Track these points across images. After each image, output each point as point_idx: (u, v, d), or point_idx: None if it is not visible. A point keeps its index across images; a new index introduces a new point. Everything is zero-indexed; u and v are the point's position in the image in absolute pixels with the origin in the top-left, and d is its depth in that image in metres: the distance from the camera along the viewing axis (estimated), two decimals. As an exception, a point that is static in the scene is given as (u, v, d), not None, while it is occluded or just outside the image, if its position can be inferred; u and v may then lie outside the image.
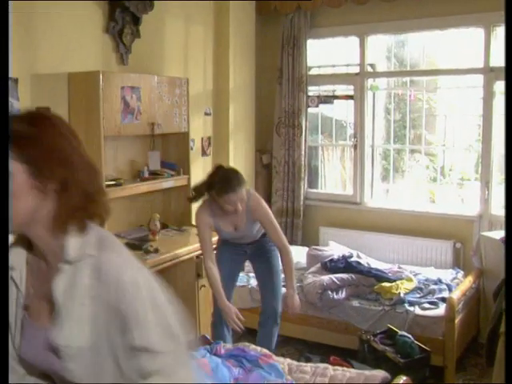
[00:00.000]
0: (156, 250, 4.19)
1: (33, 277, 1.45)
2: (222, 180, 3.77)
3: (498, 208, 5.21)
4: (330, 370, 3.17)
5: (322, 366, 3.24)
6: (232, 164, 5.66)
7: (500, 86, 5.09)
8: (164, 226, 4.77)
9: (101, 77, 3.96)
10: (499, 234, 4.70)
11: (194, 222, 4.92)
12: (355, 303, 4.57)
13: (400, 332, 3.99)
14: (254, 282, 4.96)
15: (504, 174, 2.62)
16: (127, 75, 4.28)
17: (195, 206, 5.02)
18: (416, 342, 3.90)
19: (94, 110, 3.99)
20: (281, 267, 4.06)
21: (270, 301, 4.13)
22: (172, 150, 4.92)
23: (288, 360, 3.36)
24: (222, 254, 4.10)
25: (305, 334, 4.74)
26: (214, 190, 3.75)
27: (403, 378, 2.91)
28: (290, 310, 3.95)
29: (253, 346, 3.44)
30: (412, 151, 6.45)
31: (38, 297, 1.43)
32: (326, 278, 4.66)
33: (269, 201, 6.12)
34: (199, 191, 3.92)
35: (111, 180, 4.26)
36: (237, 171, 3.89)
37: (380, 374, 3.08)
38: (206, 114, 5.55)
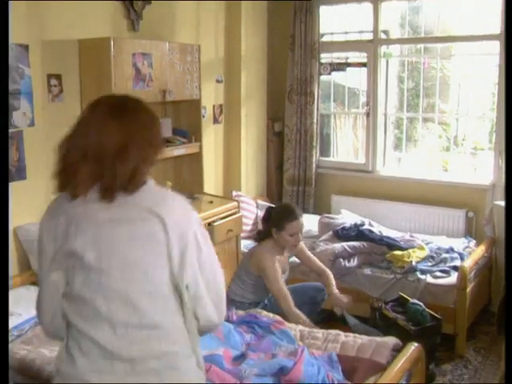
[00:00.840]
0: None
1: None
2: (284, 210, 3.83)
3: (512, 177, 5.17)
4: (342, 336, 3.18)
5: (334, 332, 3.25)
6: (243, 132, 5.65)
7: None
8: (176, 194, 4.77)
9: (112, 43, 3.94)
10: (512, 202, 4.67)
11: (205, 190, 4.95)
12: (367, 271, 4.58)
13: (411, 300, 3.99)
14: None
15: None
16: (138, 42, 4.24)
17: (207, 173, 5.04)
18: (427, 309, 3.90)
19: (105, 77, 3.97)
20: None
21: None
22: (184, 117, 4.90)
23: (300, 327, 3.37)
24: None
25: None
26: (277, 221, 3.74)
27: (414, 345, 2.92)
28: (345, 305, 3.90)
29: (265, 313, 3.45)
30: (425, 120, 6.39)
31: None
32: (338, 245, 4.66)
33: (280, 169, 6.11)
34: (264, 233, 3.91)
35: (123, 147, 4.24)
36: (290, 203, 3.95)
37: (391, 340, 3.09)
38: (218, 81, 5.51)
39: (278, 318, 3.39)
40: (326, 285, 3.97)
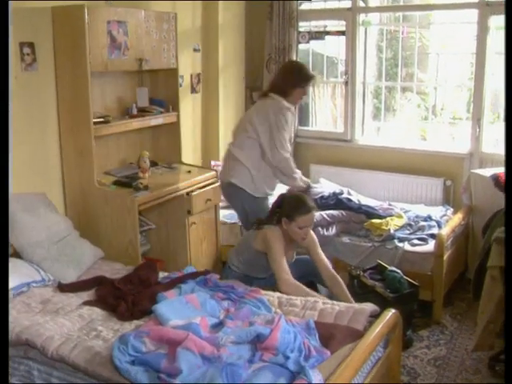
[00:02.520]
0: (146, 188, 4.17)
1: None
2: (297, 201, 3.74)
3: (489, 146, 5.22)
4: (320, 303, 3.20)
5: (312, 299, 3.27)
6: (222, 101, 5.61)
7: (495, 21, 5.00)
8: (153, 164, 4.74)
9: (86, 11, 3.85)
10: (489, 171, 4.71)
11: (183, 160, 4.92)
12: (345, 239, 4.60)
13: (389, 267, 4.02)
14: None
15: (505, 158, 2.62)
16: (113, 9, 4.16)
17: (185, 142, 5.01)
18: (405, 277, 3.94)
19: (79, 46, 3.89)
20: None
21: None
22: (161, 86, 4.84)
23: (278, 293, 3.38)
24: None
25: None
26: (289, 212, 3.69)
27: (392, 311, 2.95)
28: None
29: (243, 285, 3.47)
30: (403, 90, 6.38)
31: None
32: (316, 214, 4.66)
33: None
34: (268, 221, 3.83)
35: (99, 117, 4.19)
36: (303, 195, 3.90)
37: (369, 307, 3.11)
38: (195, 50, 5.44)
39: (253, 288, 3.40)
40: (338, 295, 3.63)
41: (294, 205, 3.72)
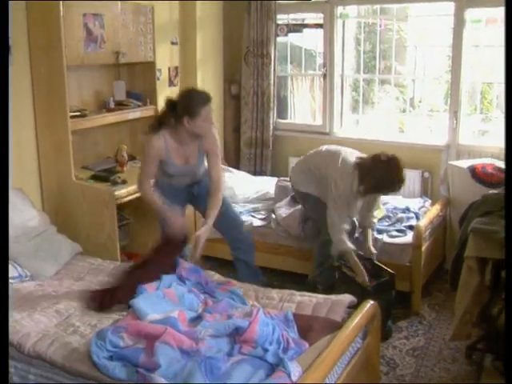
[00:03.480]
0: (124, 182, 4.16)
1: None
2: (194, 95, 3.58)
3: (466, 138, 5.25)
4: (297, 295, 3.21)
5: (288, 291, 3.28)
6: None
7: (471, 14, 5.03)
8: (131, 158, 4.72)
9: (61, 3, 3.81)
10: (466, 163, 4.75)
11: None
12: (328, 231, 4.58)
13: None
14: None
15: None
16: (89, 2, 4.13)
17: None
18: (379, 264, 4.00)
19: (54, 39, 3.87)
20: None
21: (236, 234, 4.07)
22: (138, 80, 4.82)
23: (254, 286, 3.39)
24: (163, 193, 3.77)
25: (274, 264, 4.78)
26: (187, 107, 3.49)
27: (370, 302, 2.96)
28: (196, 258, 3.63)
29: (216, 276, 3.48)
30: (382, 82, 6.41)
31: None
32: (298, 207, 4.64)
33: (238, 131, 6.08)
34: (162, 118, 3.64)
35: (76, 111, 4.17)
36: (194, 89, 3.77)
37: (346, 298, 3.13)
38: (173, 43, 5.41)
39: (225, 280, 3.41)
40: (208, 211, 3.65)
41: (194, 99, 3.54)
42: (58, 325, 2.92)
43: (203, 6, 5.52)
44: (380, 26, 6.05)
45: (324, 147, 4.33)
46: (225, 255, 4.66)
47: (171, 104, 3.59)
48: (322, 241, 4.24)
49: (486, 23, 5.31)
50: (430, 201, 5.11)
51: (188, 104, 3.51)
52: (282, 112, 6.26)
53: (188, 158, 3.69)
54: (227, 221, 3.96)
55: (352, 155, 4.10)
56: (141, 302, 2.92)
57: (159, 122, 3.62)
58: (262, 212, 5.02)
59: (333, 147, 4.30)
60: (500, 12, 5.16)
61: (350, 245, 3.93)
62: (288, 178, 5.29)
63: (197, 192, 3.89)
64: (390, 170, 3.85)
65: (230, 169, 5.48)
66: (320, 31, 5.77)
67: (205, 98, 3.54)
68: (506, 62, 2.62)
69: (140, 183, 3.68)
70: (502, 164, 4.62)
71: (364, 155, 4.11)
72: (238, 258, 4.10)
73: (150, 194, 3.66)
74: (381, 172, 3.85)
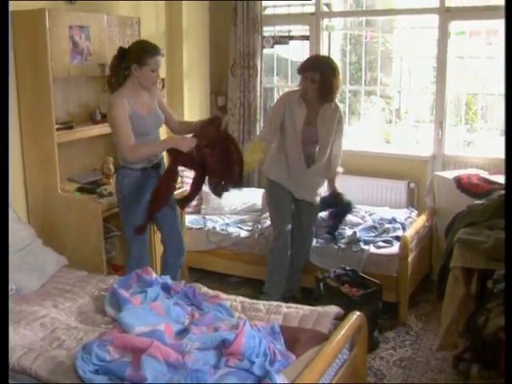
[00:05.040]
0: (110, 194, 4.13)
1: None
2: (144, 45, 3.73)
3: (451, 148, 5.29)
4: (284, 307, 3.21)
5: (275, 303, 3.28)
6: (187, 106, 5.60)
7: (455, 26, 5.09)
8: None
9: (47, 15, 3.81)
10: (452, 173, 4.78)
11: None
12: (314, 243, 4.59)
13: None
14: (210, 224, 4.97)
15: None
16: (75, 14, 4.13)
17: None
18: (368, 277, 4.01)
19: (40, 51, 3.86)
20: None
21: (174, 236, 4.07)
22: (124, 92, 4.80)
23: (240, 298, 3.38)
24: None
25: (261, 275, 4.77)
26: (136, 55, 3.63)
27: (356, 313, 2.97)
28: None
29: (205, 288, 3.47)
30: (368, 94, 6.45)
31: None
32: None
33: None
34: (116, 72, 3.72)
35: (62, 123, 4.16)
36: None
37: (333, 309, 3.13)
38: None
39: (212, 293, 3.41)
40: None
41: (143, 48, 3.67)
42: (44, 338, 2.89)
43: (189, 18, 5.54)
44: (366, 38, 6.09)
45: None
46: (213, 267, 4.66)
47: (123, 52, 3.72)
48: (271, 249, 4.31)
49: (470, 35, 5.37)
50: (416, 211, 5.14)
51: (137, 52, 3.65)
52: (269, 123, 6.25)
53: (149, 105, 3.79)
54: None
55: None
56: (127, 315, 2.90)
57: (113, 78, 3.74)
58: (249, 223, 5.03)
59: None
60: (483, 24, 5.24)
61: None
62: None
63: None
64: None
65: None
66: (306, 43, 5.80)
67: (155, 49, 3.68)
68: (506, 66, 2.64)
69: (125, 150, 3.61)
70: (486, 174, 4.66)
71: None
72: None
73: (140, 148, 3.64)
74: None
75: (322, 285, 3.99)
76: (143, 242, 3.91)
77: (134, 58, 3.63)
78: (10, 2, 3.26)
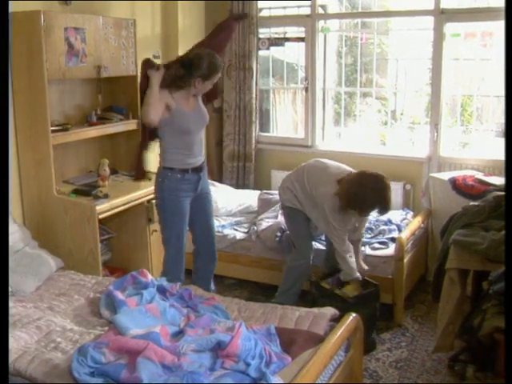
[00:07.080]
0: (106, 196, 4.13)
1: None
2: (212, 61, 3.70)
3: (447, 150, 5.30)
4: (280, 309, 3.21)
5: (271, 305, 3.28)
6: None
7: (450, 28, 5.10)
8: (113, 172, 4.70)
9: (42, 17, 3.80)
10: (447, 175, 4.79)
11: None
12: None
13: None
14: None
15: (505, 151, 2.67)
16: (70, 15, 4.12)
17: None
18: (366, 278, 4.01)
19: (36, 52, 3.85)
20: None
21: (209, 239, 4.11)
22: (120, 93, 4.80)
23: (236, 300, 3.39)
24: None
25: (257, 277, 4.78)
26: (206, 73, 3.67)
27: (352, 315, 2.97)
28: None
29: (200, 290, 3.47)
30: (364, 95, 6.45)
31: None
32: (282, 219, 4.63)
33: (220, 145, 6.09)
34: (173, 82, 3.73)
35: (58, 125, 4.16)
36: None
37: (329, 311, 3.13)
38: (155, 57, 5.40)
39: (208, 295, 3.40)
40: None
41: (210, 64, 3.67)
42: (39, 341, 2.89)
43: (185, 20, 5.54)
44: (361, 40, 6.10)
45: (311, 162, 4.28)
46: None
47: (188, 64, 3.69)
48: (291, 266, 4.24)
49: (465, 37, 5.39)
50: (411, 213, 5.14)
51: (206, 68, 3.67)
52: (265, 125, 6.27)
53: (194, 104, 3.86)
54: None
55: (339, 170, 4.05)
56: (122, 317, 2.90)
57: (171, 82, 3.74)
58: (245, 225, 5.03)
59: (319, 164, 4.22)
60: (478, 26, 5.26)
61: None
62: (270, 191, 5.32)
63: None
64: (378, 190, 3.73)
65: (213, 182, 5.48)
66: (302, 45, 5.81)
67: (220, 65, 3.75)
68: (506, 66, 2.64)
69: (146, 113, 3.67)
70: (482, 176, 4.67)
71: (349, 170, 4.06)
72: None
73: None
74: (369, 192, 3.72)
75: (315, 287, 3.99)
76: (179, 241, 3.90)
77: (200, 74, 3.67)
78: (10, 3, 3.25)
